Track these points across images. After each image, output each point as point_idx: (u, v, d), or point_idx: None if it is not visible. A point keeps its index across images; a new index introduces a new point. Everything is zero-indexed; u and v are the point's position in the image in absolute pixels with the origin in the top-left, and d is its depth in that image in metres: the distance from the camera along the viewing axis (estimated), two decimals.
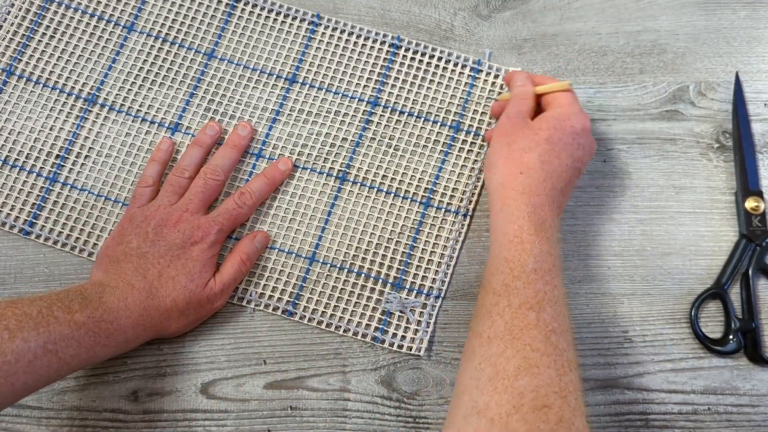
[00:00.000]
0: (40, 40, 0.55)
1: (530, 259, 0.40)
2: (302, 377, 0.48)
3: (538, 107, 0.50)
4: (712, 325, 0.50)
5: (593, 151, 0.48)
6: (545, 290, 0.40)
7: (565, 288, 0.42)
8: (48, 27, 0.55)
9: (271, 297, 0.50)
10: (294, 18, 0.56)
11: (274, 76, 0.55)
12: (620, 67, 0.56)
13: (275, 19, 0.56)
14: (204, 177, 0.49)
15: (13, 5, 0.55)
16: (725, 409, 0.48)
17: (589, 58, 0.56)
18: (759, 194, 0.52)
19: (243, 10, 0.56)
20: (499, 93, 0.54)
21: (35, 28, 0.55)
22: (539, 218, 0.42)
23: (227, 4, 0.56)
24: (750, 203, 0.51)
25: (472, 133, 0.53)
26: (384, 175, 0.52)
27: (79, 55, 0.54)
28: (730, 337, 0.49)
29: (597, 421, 0.48)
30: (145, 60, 0.54)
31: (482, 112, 0.54)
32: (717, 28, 0.57)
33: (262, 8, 0.56)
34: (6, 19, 0.55)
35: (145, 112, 0.53)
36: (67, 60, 0.54)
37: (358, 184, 0.52)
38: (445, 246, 0.51)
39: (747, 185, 0.52)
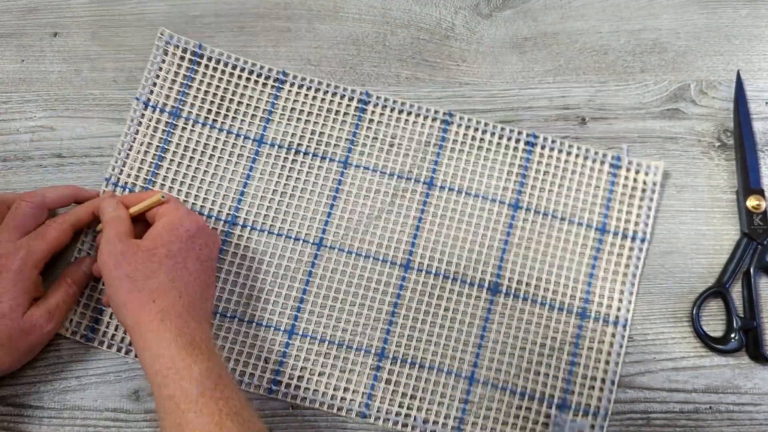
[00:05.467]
0: (172, 159, 0.52)
1: (193, 386, 0.38)
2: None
3: (144, 225, 0.46)
4: (714, 324, 0.50)
5: (218, 244, 0.47)
6: (219, 407, 0.37)
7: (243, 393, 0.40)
8: (178, 144, 0.52)
9: (435, 423, 0.47)
10: (426, 117, 0.53)
11: (412, 180, 0.52)
12: (621, 66, 0.56)
13: (406, 120, 0.53)
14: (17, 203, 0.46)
15: (141, 123, 0.52)
16: (727, 407, 0.48)
17: (590, 57, 0.56)
18: (760, 193, 0.52)
19: (373, 112, 0.53)
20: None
21: (165, 147, 0.52)
22: (187, 339, 0.39)
23: (356, 108, 0.53)
24: (751, 202, 0.51)
25: (620, 235, 0.50)
26: (536, 285, 0.50)
27: (213, 173, 0.52)
28: (732, 335, 0.49)
29: None
30: (280, 174, 0.52)
31: (627, 211, 0.51)
32: (718, 26, 0.57)
33: (392, 109, 0.53)
34: (135, 138, 0.52)
35: (288, 229, 0.51)
36: (201, 179, 0.52)
37: (511, 296, 0.49)
38: (608, 361, 0.48)
39: (748, 184, 0.52)
